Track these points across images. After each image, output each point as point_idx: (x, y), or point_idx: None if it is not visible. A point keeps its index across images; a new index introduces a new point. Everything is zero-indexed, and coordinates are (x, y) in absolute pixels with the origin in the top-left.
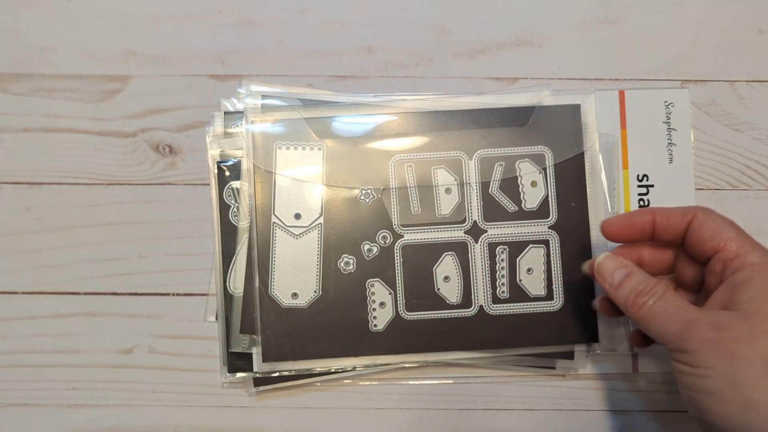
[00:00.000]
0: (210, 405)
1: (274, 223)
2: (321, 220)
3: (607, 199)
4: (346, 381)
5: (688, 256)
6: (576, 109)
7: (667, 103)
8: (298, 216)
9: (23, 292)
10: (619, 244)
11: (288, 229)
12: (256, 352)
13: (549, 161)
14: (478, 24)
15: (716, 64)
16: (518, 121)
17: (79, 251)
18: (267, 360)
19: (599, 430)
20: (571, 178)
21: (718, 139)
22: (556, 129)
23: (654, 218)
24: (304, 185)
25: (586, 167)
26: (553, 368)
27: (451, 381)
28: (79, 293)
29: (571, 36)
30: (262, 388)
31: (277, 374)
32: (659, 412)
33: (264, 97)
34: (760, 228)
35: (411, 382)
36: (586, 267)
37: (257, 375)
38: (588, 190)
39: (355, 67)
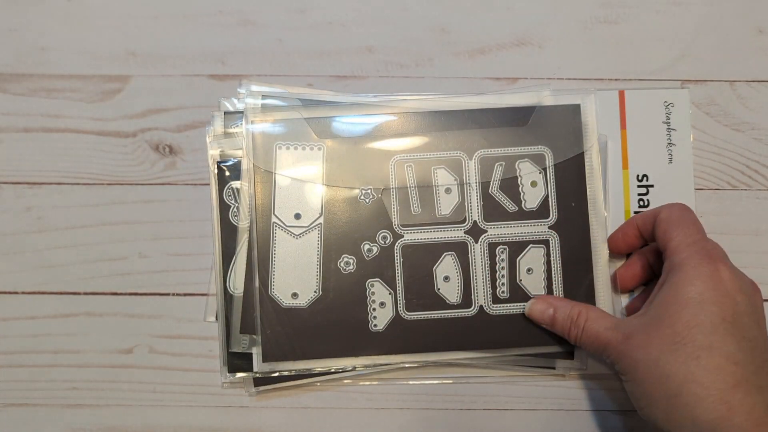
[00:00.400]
0: (210, 405)
1: (274, 223)
2: (321, 220)
3: (606, 199)
4: (346, 381)
5: None
6: (576, 109)
7: (666, 103)
8: (298, 216)
9: (23, 292)
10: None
11: (288, 229)
12: (256, 352)
13: (549, 161)
14: (478, 24)
15: (716, 64)
16: (518, 121)
17: (79, 251)
18: (267, 360)
19: (599, 430)
20: (571, 178)
21: (718, 139)
22: (556, 129)
23: (636, 223)
24: (304, 185)
25: (586, 167)
26: (553, 368)
27: (451, 381)
28: (79, 293)
29: (571, 36)
30: (262, 388)
31: (277, 374)
32: None
33: (264, 97)
34: (760, 228)
35: (411, 382)
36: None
37: (257, 375)
38: (588, 190)
39: (355, 67)
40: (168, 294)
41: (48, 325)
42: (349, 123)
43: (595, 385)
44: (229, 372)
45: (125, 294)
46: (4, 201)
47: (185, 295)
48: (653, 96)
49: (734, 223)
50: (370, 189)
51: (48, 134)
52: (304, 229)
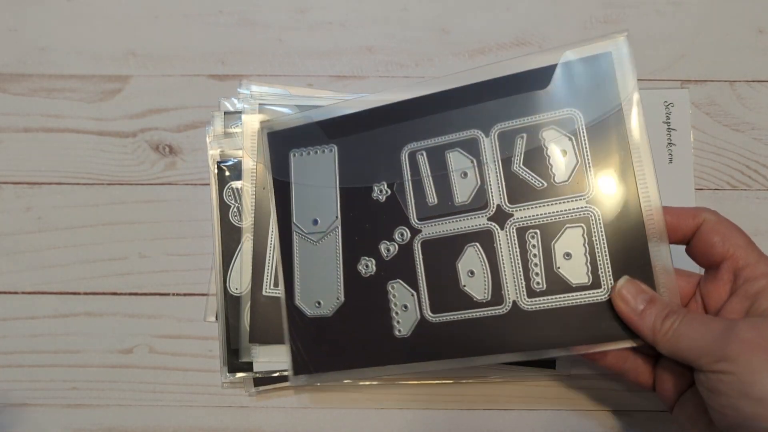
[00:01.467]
0: (210, 405)
1: (294, 231)
2: (338, 223)
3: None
4: (345, 381)
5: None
6: (606, 58)
7: (667, 103)
8: (315, 222)
9: (23, 292)
10: None
11: (307, 236)
12: (260, 357)
13: (579, 124)
14: (478, 24)
15: (716, 64)
16: (538, 84)
17: (79, 251)
18: (298, 373)
19: (599, 430)
20: (609, 138)
21: (718, 139)
22: (584, 86)
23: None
24: (319, 190)
25: (627, 122)
26: (553, 368)
27: (451, 381)
28: (79, 293)
29: (571, 36)
30: (262, 388)
31: (277, 374)
32: (659, 412)
33: (261, 105)
34: (760, 228)
35: (411, 382)
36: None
37: (257, 375)
38: (632, 147)
39: (355, 67)
40: (168, 294)
41: (48, 325)
42: (358, 118)
43: (594, 384)
44: (229, 372)
45: (125, 294)
46: (4, 201)
47: (185, 295)
48: (653, 96)
49: (734, 223)
50: (384, 185)
51: (48, 134)
52: (323, 234)
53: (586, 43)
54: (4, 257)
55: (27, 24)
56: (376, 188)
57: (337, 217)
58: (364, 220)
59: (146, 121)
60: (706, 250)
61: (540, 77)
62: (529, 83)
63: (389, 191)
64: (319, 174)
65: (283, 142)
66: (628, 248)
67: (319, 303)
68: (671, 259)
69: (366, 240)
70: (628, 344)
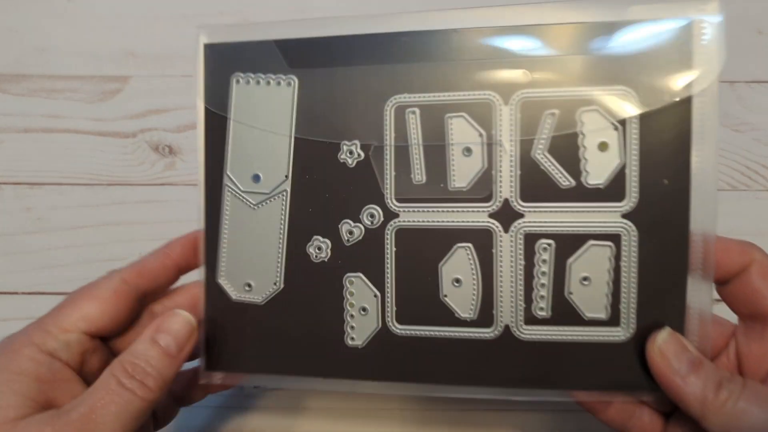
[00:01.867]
0: (209, 405)
1: (225, 185)
2: (287, 186)
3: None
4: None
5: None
6: (686, 29)
7: None
8: (256, 178)
9: (23, 293)
10: None
11: (242, 195)
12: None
13: (632, 110)
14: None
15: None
16: (588, 42)
17: (79, 251)
18: (210, 369)
19: (600, 430)
20: (666, 139)
21: (718, 139)
22: (649, 59)
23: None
24: (266, 136)
25: (695, 122)
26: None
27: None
28: None
29: None
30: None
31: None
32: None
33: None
34: (760, 228)
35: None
36: None
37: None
38: (694, 158)
39: None
40: None
41: None
42: (332, 46)
43: None
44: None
45: None
46: (4, 201)
47: None
48: None
49: (734, 223)
50: (356, 145)
51: (48, 134)
52: (265, 197)
53: (662, 2)
54: (4, 257)
55: (27, 24)
56: (344, 147)
57: (287, 177)
58: (324, 188)
59: (146, 122)
60: (753, 299)
61: (593, 34)
62: (576, 40)
63: (362, 154)
64: (269, 113)
65: (224, 61)
66: (662, 281)
67: (249, 285)
68: (712, 303)
69: (323, 214)
70: (644, 396)
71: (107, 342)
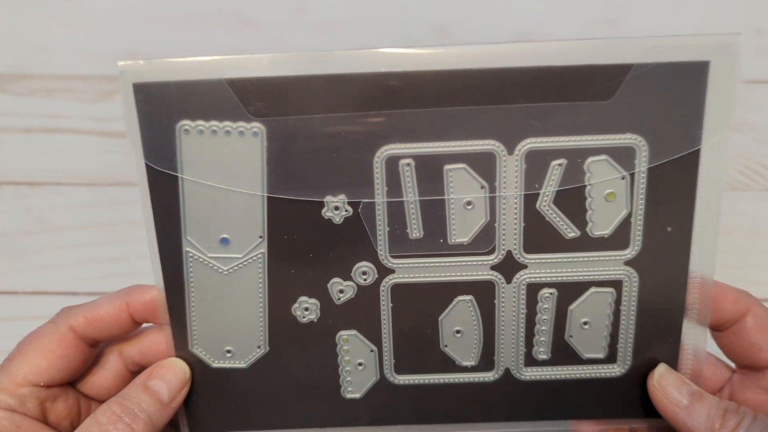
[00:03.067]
0: None
1: (187, 252)
2: (262, 248)
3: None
4: None
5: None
6: (701, 69)
7: None
8: (225, 241)
9: (24, 292)
10: None
11: (210, 262)
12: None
13: (642, 161)
14: (478, 24)
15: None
16: (598, 89)
17: (79, 251)
18: (195, 431)
19: None
20: (672, 189)
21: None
22: (661, 106)
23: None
24: (231, 195)
25: (701, 172)
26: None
27: None
28: (79, 293)
29: (571, 36)
30: None
31: None
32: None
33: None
34: (760, 228)
35: None
36: None
37: None
38: (698, 208)
39: None
40: None
41: None
42: (306, 90)
43: None
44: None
45: None
46: (4, 201)
47: None
48: None
49: (734, 223)
50: (343, 200)
51: (48, 134)
52: (238, 262)
53: (676, 41)
54: (4, 257)
55: (27, 24)
56: (329, 204)
57: (261, 237)
58: (307, 247)
59: None
60: (748, 352)
61: (604, 79)
62: (585, 87)
63: (350, 210)
64: (232, 169)
65: (164, 106)
66: (658, 325)
67: (229, 351)
68: (706, 345)
69: (308, 275)
70: (638, 424)
71: (75, 384)
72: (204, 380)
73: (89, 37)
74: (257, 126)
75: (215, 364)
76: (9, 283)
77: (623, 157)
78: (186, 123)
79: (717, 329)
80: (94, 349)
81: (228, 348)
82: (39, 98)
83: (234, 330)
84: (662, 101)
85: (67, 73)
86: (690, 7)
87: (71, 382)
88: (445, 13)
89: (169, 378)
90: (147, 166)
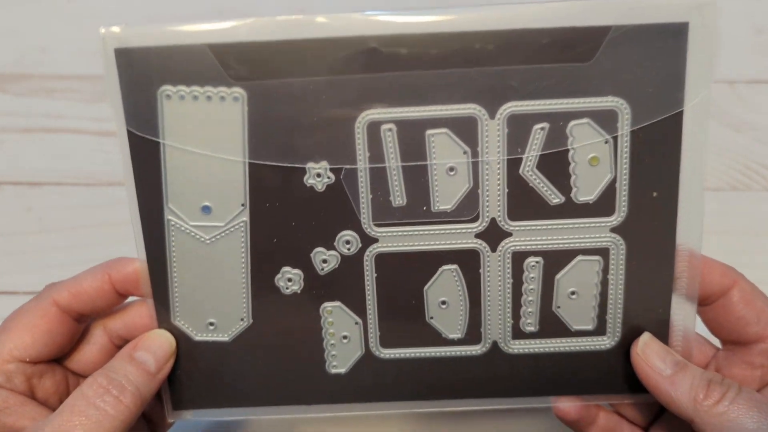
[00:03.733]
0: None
1: (168, 220)
2: (245, 217)
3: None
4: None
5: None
6: (680, 31)
7: None
8: (206, 210)
9: (24, 292)
10: None
11: (191, 230)
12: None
13: (624, 123)
14: None
15: (716, 64)
16: (578, 51)
17: (79, 251)
18: (179, 408)
19: None
20: (656, 152)
21: (718, 139)
22: (639, 66)
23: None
24: (212, 161)
25: (685, 134)
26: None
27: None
28: None
29: None
30: None
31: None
32: None
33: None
34: (760, 228)
35: None
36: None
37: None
38: (683, 171)
39: None
40: None
41: None
42: (286, 54)
43: None
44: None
45: None
46: (4, 201)
47: None
48: None
49: (734, 223)
50: (324, 167)
51: (48, 134)
52: (219, 230)
53: (655, 2)
54: (4, 257)
55: (27, 24)
56: (311, 170)
57: (243, 205)
58: (289, 216)
59: None
60: (735, 326)
61: (584, 41)
62: (565, 49)
63: (332, 177)
64: (213, 134)
65: (145, 71)
66: (648, 292)
67: (212, 324)
68: (695, 322)
69: (291, 244)
70: (628, 400)
71: (62, 361)
72: (187, 354)
73: (89, 37)
74: (238, 91)
75: (198, 337)
76: (9, 283)
77: (605, 120)
78: (167, 88)
79: (703, 303)
80: (80, 324)
81: (211, 320)
82: (39, 98)
83: (217, 301)
84: (642, 63)
85: (67, 73)
86: None
87: (59, 359)
88: None
89: (155, 348)
90: (128, 132)
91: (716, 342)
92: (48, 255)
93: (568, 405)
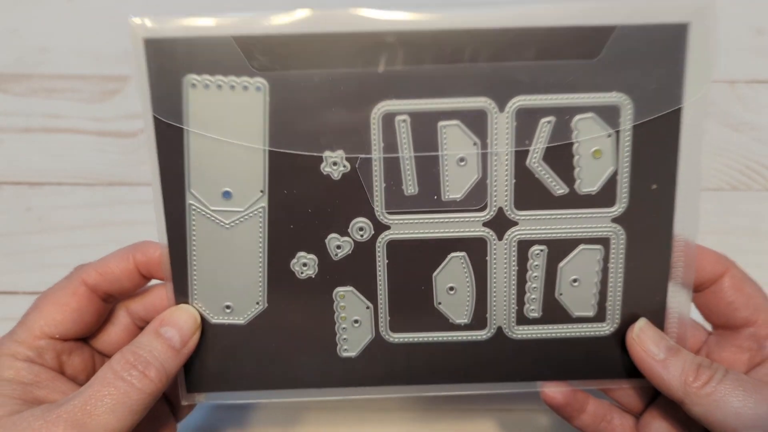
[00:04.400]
0: (209, 404)
1: (190, 204)
2: (263, 203)
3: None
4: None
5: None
6: (681, 31)
7: None
8: (227, 195)
9: (23, 292)
10: None
11: (212, 215)
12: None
13: (626, 118)
14: None
15: (716, 63)
16: (584, 49)
17: (79, 251)
18: (193, 391)
19: None
20: (656, 146)
21: (718, 139)
22: (641, 63)
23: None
24: (234, 148)
25: (684, 130)
26: None
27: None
28: None
29: None
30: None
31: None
32: None
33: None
34: (760, 228)
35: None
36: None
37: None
38: (681, 165)
39: None
40: None
41: None
42: (307, 46)
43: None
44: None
45: None
46: (4, 201)
47: None
48: None
49: (734, 223)
50: (341, 156)
51: (48, 134)
52: (239, 215)
53: (658, 3)
54: (4, 257)
55: (27, 24)
56: (328, 159)
57: (263, 192)
58: (306, 202)
59: None
60: (725, 310)
61: (590, 39)
62: (572, 46)
63: (348, 166)
64: (235, 122)
65: (172, 60)
66: (645, 283)
67: (228, 307)
68: (690, 309)
69: (307, 230)
70: (626, 384)
71: (89, 341)
72: (203, 336)
73: (89, 37)
74: (260, 81)
75: (214, 320)
76: (9, 283)
77: (609, 114)
78: (193, 77)
79: (696, 289)
80: (107, 304)
81: (227, 303)
82: (39, 98)
83: (234, 285)
84: (645, 61)
85: (67, 73)
86: None
87: (86, 338)
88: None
89: (180, 324)
90: (155, 118)
91: (708, 327)
92: (48, 255)
93: (555, 390)
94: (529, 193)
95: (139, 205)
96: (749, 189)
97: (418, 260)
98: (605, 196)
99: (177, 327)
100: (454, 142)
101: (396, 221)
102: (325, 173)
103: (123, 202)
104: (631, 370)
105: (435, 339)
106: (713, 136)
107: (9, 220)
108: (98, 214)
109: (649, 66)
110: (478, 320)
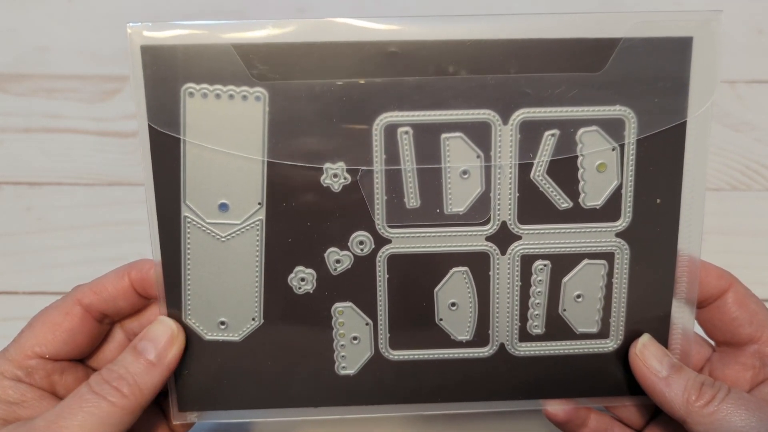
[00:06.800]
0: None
1: (185, 217)
2: (261, 215)
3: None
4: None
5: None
6: (685, 45)
7: None
8: (224, 207)
9: (23, 292)
10: None
11: (208, 228)
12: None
13: (630, 132)
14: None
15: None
16: (589, 61)
17: (79, 251)
18: (185, 410)
19: None
20: (661, 159)
21: (718, 139)
22: (645, 77)
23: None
24: (232, 159)
25: (689, 144)
26: None
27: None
28: None
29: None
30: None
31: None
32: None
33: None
34: (760, 228)
35: None
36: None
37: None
38: (685, 180)
39: None
40: None
41: None
42: (308, 56)
43: None
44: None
45: None
46: (4, 201)
47: None
48: None
49: (734, 223)
50: (341, 168)
51: (48, 134)
52: (235, 228)
53: (662, 17)
54: (4, 257)
55: (27, 24)
56: (328, 171)
57: (260, 204)
58: (305, 215)
59: None
60: (729, 327)
61: (595, 52)
62: (577, 59)
63: (348, 178)
64: (233, 133)
65: (170, 69)
66: (649, 299)
67: (223, 323)
68: (694, 325)
69: (305, 244)
70: (628, 401)
71: (85, 361)
72: (196, 354)
73: (89, 37)
74: (260, 91)
75: (208, 337)
76: (9, 283)
77: (613, 128)
78: (191, 86)
79: (700, 305)
80: (102, 325)
81: (222, 319)
82: (39, 98)
83: (229, 300)
84: (649, 74)
85: (67, 73)
86: (690, 6)
87: (81, 359)
88: (446, 14)
89: (155, 336)
90: (150, 128)
91: (712, 342)
92: (48, 255)
93: (557, 407)
94: (533, 206)
95: (139, 205)
96: (749, 189)
97: (419, 275)
98: (610, 211)
99: (151, 340)
100: (457, 155)
101: (397, 235)
102: (325, 185)
103: (123, 202)
104: (634, 387)
105: (436, 356)
106: (713, 136)
107: (9, 220)
108: (98, 214)
109: (652, 80)
110: (480, 337)
